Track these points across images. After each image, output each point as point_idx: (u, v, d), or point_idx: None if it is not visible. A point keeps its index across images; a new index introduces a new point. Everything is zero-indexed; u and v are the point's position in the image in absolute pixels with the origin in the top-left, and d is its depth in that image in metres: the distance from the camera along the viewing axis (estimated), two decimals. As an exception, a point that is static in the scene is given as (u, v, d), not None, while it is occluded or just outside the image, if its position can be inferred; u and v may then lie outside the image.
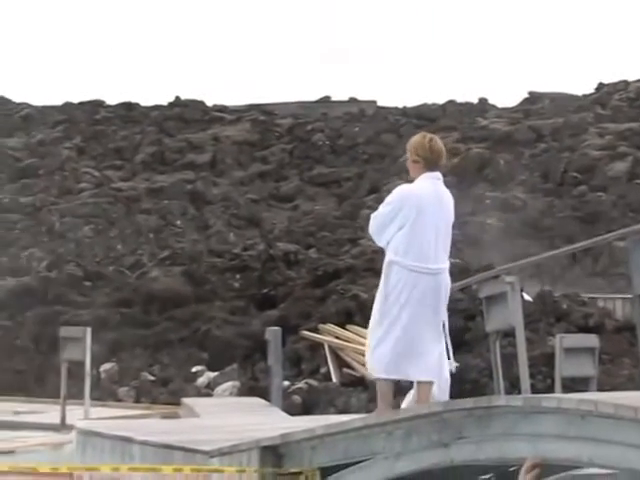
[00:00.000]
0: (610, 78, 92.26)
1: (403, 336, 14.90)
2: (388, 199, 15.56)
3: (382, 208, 15.59)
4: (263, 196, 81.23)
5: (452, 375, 15.49)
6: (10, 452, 21.50)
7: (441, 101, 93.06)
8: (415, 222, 15.08)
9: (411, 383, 15.42)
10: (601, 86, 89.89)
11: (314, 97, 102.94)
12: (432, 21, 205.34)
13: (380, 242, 15.42)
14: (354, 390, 23.05)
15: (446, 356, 15.43)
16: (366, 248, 41.58)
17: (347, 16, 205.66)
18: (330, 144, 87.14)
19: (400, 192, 15.43)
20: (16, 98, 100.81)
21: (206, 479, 16.10)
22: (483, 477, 13.58)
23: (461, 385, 15.15)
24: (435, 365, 15.00)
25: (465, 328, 16.24)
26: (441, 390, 15.17)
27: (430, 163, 15.18)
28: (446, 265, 15.29)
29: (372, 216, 15.70)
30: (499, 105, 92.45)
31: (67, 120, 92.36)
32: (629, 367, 17.29)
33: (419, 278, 14.92)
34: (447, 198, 15.67)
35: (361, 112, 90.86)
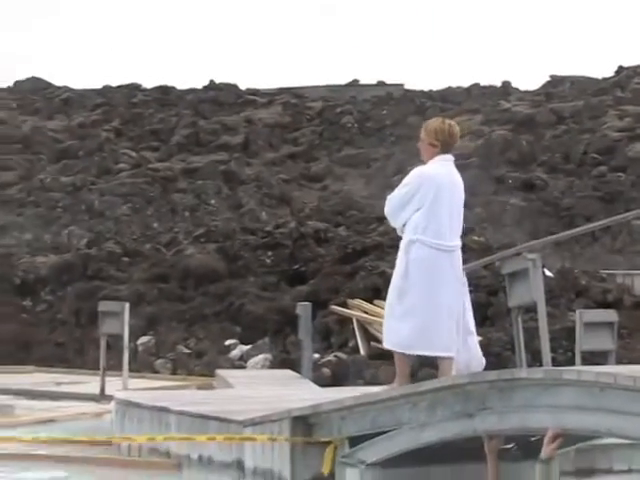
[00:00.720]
0: (630, 61, 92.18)
1: (423, 312, 15.08)
2: (405, 181, 15.80)
3: (399, 190, 15.77)
4: (294, 176, 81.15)
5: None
6: (51, 421, 21.51)
7: (465, 84, 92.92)
8: (433, 203, 15.32)
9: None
10: (621, 69, 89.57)
11: (343, 81, 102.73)
12: (455, 6, 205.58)
13: (396, 223, 15.74)
14: (381, 362, 22.97)
15: (474, 334, 15.50)
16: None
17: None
18: (358, 126, 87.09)
19: (418, 174, 15.65)
20: (57, 82, 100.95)
21: (239, 448, 16.14)
22: (506, 446, 13.57)
23: (484, 358, 15.10)
24: (453, 341, 15.19)
25: (488, 304, 16.23)
26: (474, 363, 15.26)
27: (447, 147, 15.42)
28: (459, 243, 15.54)
29: (388, 198, 15.91)
30: (522, 88, 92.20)
31: (106, 103, 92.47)
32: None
33: (438, 255, 15.14)
34: (459, 180, 15.85)
35: (388, 95, 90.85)
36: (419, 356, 15.76)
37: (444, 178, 15.53)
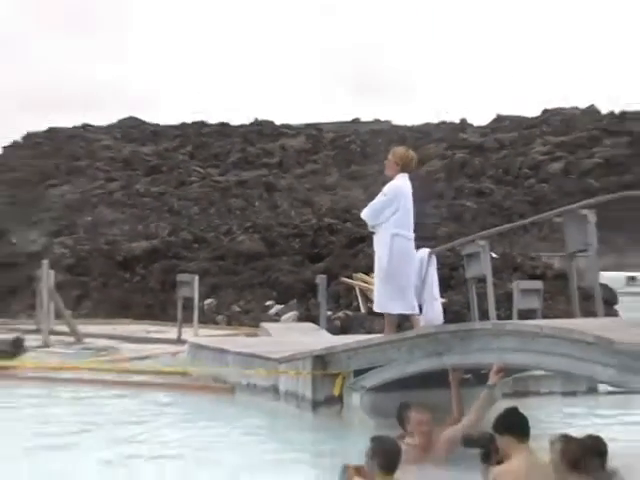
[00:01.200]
0: (552, 104, 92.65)
1: (400, 286, 15.88)
2: (385, 191, 16.46)
3: (380, 198, 16.43)
4: (314, 186, 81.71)
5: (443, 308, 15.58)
6: (144, 358, 21.51)
7: (435, 121, 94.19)
8: (403, 207, 16.10)
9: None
10: (545, 111, 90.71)
11: (349, 118, 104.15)
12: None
13: (373, 221, 16.43)
14: (376, 317, 22.97)
15: (438, 299, 15.89)
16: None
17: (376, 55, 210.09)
18: (360, 151, 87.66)
19: (394, 187, 16.32)
20: (147, 119, 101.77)
21: (275, 377, 16.12)
22: (465, 376, 13.54)
23: (448, 315, 15.10)
24: (415, 303, 16.19)
25: (450, 276, 16.24)
26: (436, 319, 15.47)
27: (405, 168, 16.38)
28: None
29: (370, 204, 16.58)
30: (475, 124, 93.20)
31: (182, 135, 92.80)
32: (563, 303, 17.28)
33: (409, 244, 16.12)
34: (410, 190, 16.43)
35: (381, 129, 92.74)
36: (399, 314, 16.13)
37: (407, 189, 16.33)
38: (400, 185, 16.23)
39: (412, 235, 16.19)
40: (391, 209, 16.08)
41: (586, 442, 9.56)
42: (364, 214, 16.40)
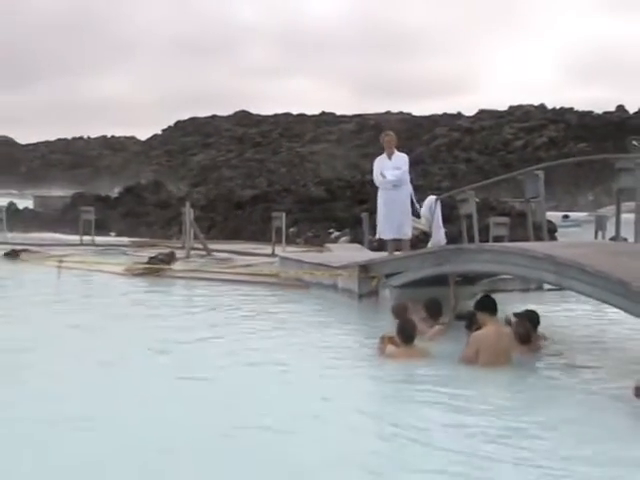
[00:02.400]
0: (517, 101, 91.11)
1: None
2: (406, 160, 16.29)
3: (406, 166, 16.30)
4: (360, 155, 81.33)
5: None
6: (250, 265, 21.49)
7: (439, 112, 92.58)
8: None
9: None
10: (512, 107, 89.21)
11: (383, 110, 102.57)
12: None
13: (395, 182, 16.11)
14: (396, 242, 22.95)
15: (442, 228, 15.62)
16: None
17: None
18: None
19: (407, 157, 16.36)
20: (253, 111, 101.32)
21: (334, 278, 16.04)
22: (457, 279, 13.53)
23: (448, 240, 15.00)
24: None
25: (450, 214, 16.13)
26: (441, 242, 15.27)
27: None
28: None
29: (401, 173, 16.17)
30: (466, 114, 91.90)
31: (275, 121, 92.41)
32: (522, 232, 17.16)
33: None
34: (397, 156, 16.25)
35: (403, 117, 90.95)
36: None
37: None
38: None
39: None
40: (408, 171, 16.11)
41: (526, 315, 10.93)
42: (397, 179, 16.06)
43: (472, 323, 10.52)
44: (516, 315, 10.99)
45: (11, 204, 41.35)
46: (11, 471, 6.50)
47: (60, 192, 58.08)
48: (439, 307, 11.87)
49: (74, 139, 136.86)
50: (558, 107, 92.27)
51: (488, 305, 10.28)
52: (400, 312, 11.53)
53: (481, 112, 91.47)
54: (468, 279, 13.59)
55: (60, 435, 7.29)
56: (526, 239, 15.52)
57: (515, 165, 57.62)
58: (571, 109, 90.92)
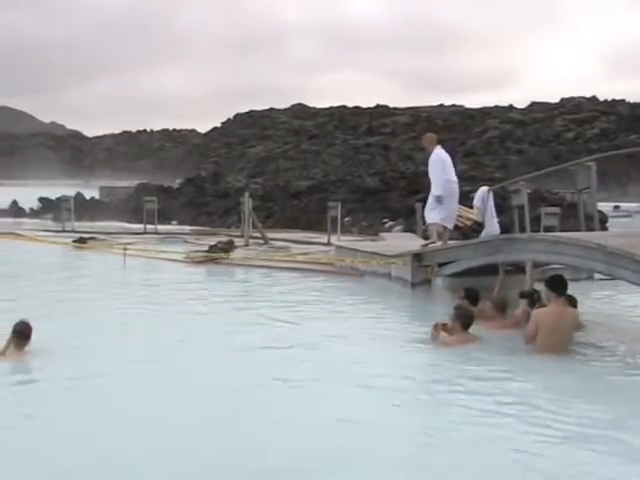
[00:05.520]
0: (569, 94, 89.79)
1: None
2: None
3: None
4: (414, 147, 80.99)
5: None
6: (306, 253, 21.51)
7: (491, 105, 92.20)
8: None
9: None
10: (563, 99, 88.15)
11: (436, 103, 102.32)
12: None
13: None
14: (454, 231, 22.76)
15: (495, 217, 15.29)
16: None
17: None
18: (443, 124, 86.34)
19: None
20: (309, 104, 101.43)
21: (388, 267, 16.01)
22: (508, 268, 13.41)
23: (501, 230, 14.86)
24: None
25: (502, 204, 15.93)
26: (494, 232, 15.03)
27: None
28: None
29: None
30: (518, 107, 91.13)
31: (330, 114, 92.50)
32: (573, 223, 16.93)
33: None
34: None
35: (456, 110, 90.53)
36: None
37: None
38: (441, 156, 15.55)
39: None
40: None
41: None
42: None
43: (534, 301, 10.58)
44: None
45: (78, 194, 41.84)
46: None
47: (125, 183, 58.70)
48: (477, 295, 11.76)
49: (138, 132, 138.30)
50: (609, 99, 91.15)
51: (558, 285, 10.13)
52: (502, 305, 11.66)
53: (533, 104, 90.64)
54: (519, 269, 13.46)
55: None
56: (577, 229, 15.33)
57: (566, 156, 56.94)
58: (622, 101, 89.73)
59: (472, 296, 11.59)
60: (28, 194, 47.29)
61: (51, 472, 6.04)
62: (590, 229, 15.39)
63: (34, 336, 9.49)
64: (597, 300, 13.60)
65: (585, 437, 6.89)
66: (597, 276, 15.09)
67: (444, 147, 15.67)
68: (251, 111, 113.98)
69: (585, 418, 7.38)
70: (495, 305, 11.66)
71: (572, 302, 10.76)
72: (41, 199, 44.69)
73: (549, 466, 6.24)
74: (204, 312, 13.35)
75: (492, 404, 7.79)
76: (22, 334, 9.25)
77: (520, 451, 6.50)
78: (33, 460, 6.29)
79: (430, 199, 15.47)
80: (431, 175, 15.49)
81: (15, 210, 43.24)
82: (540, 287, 10.98)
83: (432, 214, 15.51)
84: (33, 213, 42.72)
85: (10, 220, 37.95)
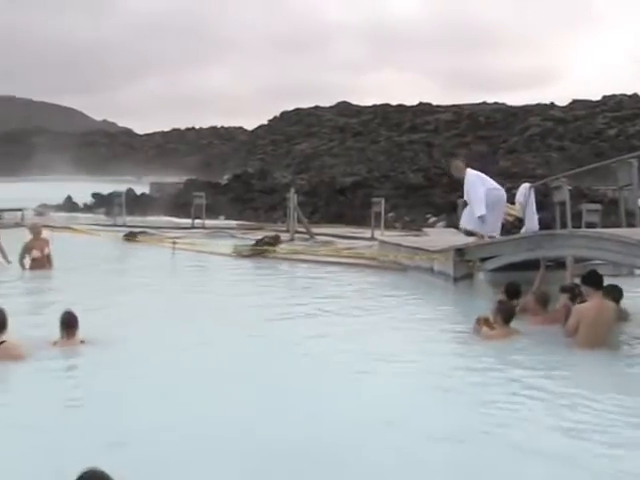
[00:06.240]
0: (610, 91, 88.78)
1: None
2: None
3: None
4: (456, 143, 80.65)
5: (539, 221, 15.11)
6: (350, 248, 21.50)
7: (533, 102, 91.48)
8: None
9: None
10: (605, 96, 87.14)
11: (479, 101, 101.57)
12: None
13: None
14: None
15: (535, 213, 15.14)
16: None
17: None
18: (485, 121, 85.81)
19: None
20: (353, 102, 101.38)
21: (431, 261, 15.97)
22: (548, 263, 13.31)
23: (541, 226, 14.75)
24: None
25: (543, 201, 15.72)
26: (534, 228, 14.92)
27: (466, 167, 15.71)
28: None
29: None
30: (559, 104, 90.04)
31: (374, 111, 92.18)
32: (614, 219, 16.72)
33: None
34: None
35: (499, 108, 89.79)
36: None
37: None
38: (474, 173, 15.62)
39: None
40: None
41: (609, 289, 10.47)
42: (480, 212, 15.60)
43: (575, 296, 10.53)
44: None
45: (129, 190, 42.25)
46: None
47: (174, 179, 59.03)
48: (517, 290, 11.69)
49: (187, 129, 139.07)
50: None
51: (594, 280, 10.15)
52: (544, 300, 11.59)
53: (574, 102, 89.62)
54: (559, 264, 13.37)
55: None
56: (618, 226, 15.16)
57: (608, 153, 56.16)
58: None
59: (512, 291, 11.51)
60: (81, 190, 47.83)
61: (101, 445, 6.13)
62: (631, 225, 15.20)
63: (87, 324, 9.64)
64: (638, 295, 13.45)
65: (624, 427, 6.86)
66: (638, 272, 14.97)
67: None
68: (297, 109, 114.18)
69: (625, 409, 7.36)
70: (537, 300, 11.54)
71: (617, 292, 10.74)
72: (94, 194, 45.23)
73: (587, 458, 6.22)
74: (250, 303, 13.45)
75: (530, 396, 7.78)
76: (68, 324, 9.41)
77: (555, 441, 6.52)
78: (87, 434, 6.44)
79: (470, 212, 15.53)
80: (468, 197, 15.45)
81: (69, 205, 43.77)
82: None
83: (477, 225, 15.55)
84: (86, 208, 43.20)
85: (65, 215, 38.38)
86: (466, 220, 16.02)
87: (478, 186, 15.24)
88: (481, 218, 15.24)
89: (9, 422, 7.01)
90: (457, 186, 34.22)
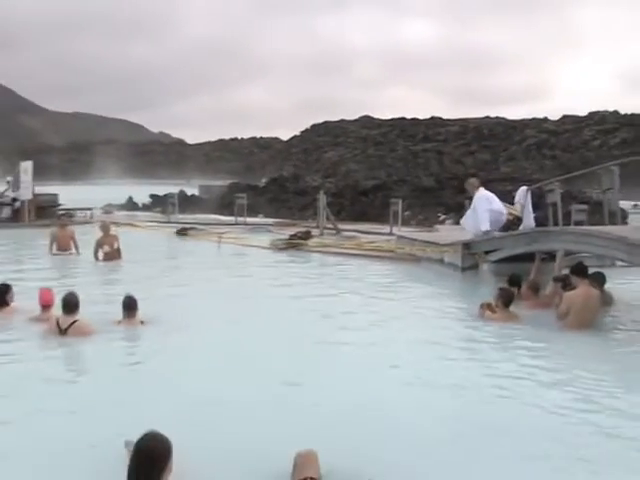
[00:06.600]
0: (596, 108, 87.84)
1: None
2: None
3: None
4: (463, 152, 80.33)
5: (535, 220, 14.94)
6: (371, 242, 21.42)
7: (529, 117, 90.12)
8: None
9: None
10: (590, 112, 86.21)
11: (482, 115, 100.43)
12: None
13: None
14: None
15: (532, 213, 14.94)
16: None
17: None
18: (488, 133, 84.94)
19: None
20: (374, 116, 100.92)
21: (441, 253, 15.92)
22: (543, 256, 13.25)
23: (537, 223, 14.64)
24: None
25: (538, 202, 15.55)
26: (530, 225, 14.73)
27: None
28: None
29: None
30: (551, 118, 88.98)
31: (392, 124, 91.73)
32: (598, 218, 16.58)
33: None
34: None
35: (499, 122, 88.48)
36: None
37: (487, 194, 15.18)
38: (484, 194, 15.07)
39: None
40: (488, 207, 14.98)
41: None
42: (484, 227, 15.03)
43: (566, 285, 10.51)
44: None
45: (181, 191, 42.48)
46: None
47: (219, 182, 59.16)
48: (519, 280, 11.71)
49: (231, 139, 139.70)
50: (629, 113, 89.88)
51: (581, 270, 10.20)
52: (535, 288, 11.60)
53: (564, 117, 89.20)
54: (553, 257, 13.31)
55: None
56: (602, 224, 15.08)
57: (593, 161, 55.75)
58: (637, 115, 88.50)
59: (514, 280, 11.59)
60: (141, 191, 48.25)
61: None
62: (613, 223, 15.14)
63: (147, 307, 9.78)
64: (618, 284, 13.36)
65: (607, 395, 6.93)
66: (618, 263, 14.87)
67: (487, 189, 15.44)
68: (325, 122, 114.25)
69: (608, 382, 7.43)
70: (529, 287, 11.62)
71: (601, 277, 10.91)
72: (151, 195, 45.49)
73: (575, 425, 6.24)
74: (286, 289, 13.53)
75: (530, 371, 7.82)
76: (128, 306, 9.55)
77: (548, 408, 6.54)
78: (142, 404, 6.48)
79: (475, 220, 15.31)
80: (474, 210, 15.18)
81: (130, 205, 44.06)
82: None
83: (473, 229, 15.36)
84: (145, 207, 43.45)
85: (126, 213, 38.64)
86: (466, 222, 15.87)
87: (484, 205, 15.01)
88: (486, 233, 15.00)
89: (79, 389, 7.18)
90: (464, 189, 34.17)
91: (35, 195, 28.42)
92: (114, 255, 17.03)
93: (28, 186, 27.91)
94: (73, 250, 18.08)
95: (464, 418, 6.34)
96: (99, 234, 17.55)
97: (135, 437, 4.52)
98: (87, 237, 18.61)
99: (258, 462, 5.30)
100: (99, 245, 17.20)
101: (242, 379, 7.33)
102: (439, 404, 6.70)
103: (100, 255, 17.07)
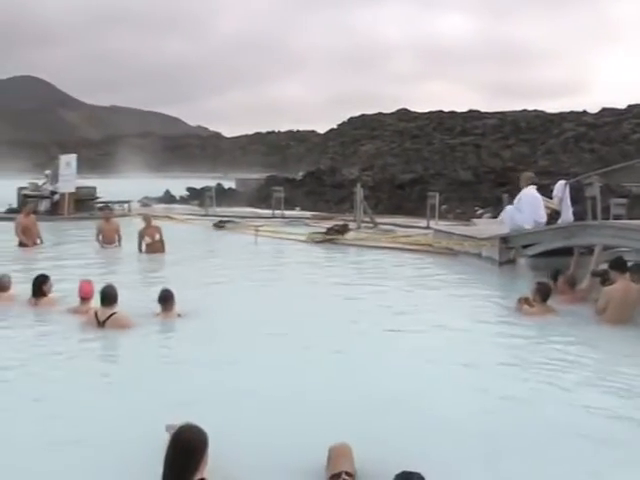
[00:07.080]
0: (635, 100, 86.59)
1: None
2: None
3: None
4: (501, 146, 79.57)
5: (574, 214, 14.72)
6: (409, 236, 21.31)
7: (567, 110, 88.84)
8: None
9: None
10: (630, 105, 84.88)
11: (520, 108, 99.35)
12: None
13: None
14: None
15: (570, 207, 14.69)
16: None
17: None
18: (526, 126, 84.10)
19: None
20: (411, 109, 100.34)
21: (479, 247, 15.80)
22: (582, 250, 13.10)
23: (575, 218, 14.46)
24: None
25: (577, 195, 15.35)
26: (569, 219, 14.51)
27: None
28: None
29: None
30: (590, 111, 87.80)
31: (429, 117, 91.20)
32: (638, 212, 16.37)
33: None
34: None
35: (537, 114, 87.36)
36: None
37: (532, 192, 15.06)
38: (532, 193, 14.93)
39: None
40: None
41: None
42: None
43: (605, 280, 10.45)
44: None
45: (218, 185, 42.65)
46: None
47: (256, 175, 59.30)
48: (557, 275, 11.63)
49: (267, 133, 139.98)
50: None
51: (620, 264, 10.14)
52: (572, 282, 11.53)
53: (603, 110, 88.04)
54: (591, 251, 13.16)
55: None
56: (641, 218, 14.89)
57: (633, 155, 54.95)
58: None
59: (555, 275, 11.56)
60: (178, 184, 48.55)
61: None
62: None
63: (184, 300, 9.84)
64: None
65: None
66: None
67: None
68: (362, 115, 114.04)
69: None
70: (566, 281, 11.54)
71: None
72: (189, 188, 45.77)
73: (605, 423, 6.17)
74: (322, 281, 13.55)
75: (568, 367, 7.77)
76: (165, 299, 9.69)
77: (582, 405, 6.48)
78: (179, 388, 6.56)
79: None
80: (519, 203, 15.05)
81: (168, 197, 44.36)
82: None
83: (511, 225, 15.24)
84: (182, 200, 43.71)
85: (164, 206, 38.90)
86: (505, 216, 15.73)
87: (530, 209, 14.90)
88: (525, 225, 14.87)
89: (117, 381, 7.27)
90: (502, 182, 33.82)
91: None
92: (157, 247, 17.15)
93: (71, 179, 28.21)
94: (117, 243, 18.30)
95: (500, 413, 6.31)
96: (141, 225, 17.72)
97: (175, 422, 4.57)
98: (127, 230, 18.77)
99: (292, 455, 5.31)
100: (141, 237, 17.37)
101: (278, 372, 7.36)
102: (475, 399, 6.67)
103: (143, 247, 17.23)
